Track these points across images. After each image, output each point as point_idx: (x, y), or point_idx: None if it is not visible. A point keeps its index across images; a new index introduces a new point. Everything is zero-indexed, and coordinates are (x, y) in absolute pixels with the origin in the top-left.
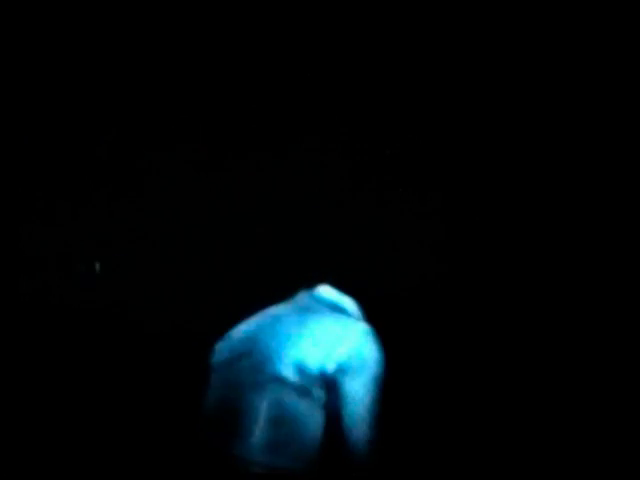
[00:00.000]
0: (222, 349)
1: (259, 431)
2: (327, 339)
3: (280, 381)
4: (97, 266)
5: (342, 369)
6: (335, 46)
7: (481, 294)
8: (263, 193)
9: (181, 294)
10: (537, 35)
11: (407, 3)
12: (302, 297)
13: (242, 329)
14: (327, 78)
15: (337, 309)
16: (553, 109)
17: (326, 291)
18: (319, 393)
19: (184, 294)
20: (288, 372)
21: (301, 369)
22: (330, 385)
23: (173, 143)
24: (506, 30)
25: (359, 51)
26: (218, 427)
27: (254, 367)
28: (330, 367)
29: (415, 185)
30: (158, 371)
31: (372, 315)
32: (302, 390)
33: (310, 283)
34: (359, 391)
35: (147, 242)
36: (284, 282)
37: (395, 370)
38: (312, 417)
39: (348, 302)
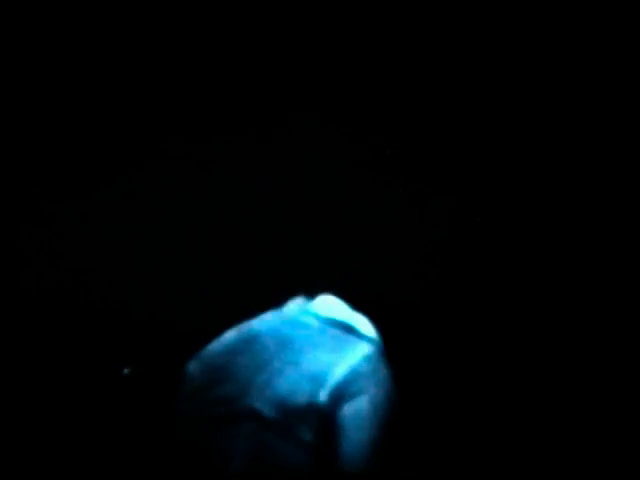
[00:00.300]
0: (192, 373)
1: (232, 477)
2: (318, 363)
3: (256, 417)
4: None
5: (336, 401)
6: (333, 43)
7: (494, 303)
8: (259, 190)
9: (165, 295)
10: (537, 35)
11: (407, 3)
12: (293, 308)
13: (216, 348)
14: (327, 79)
15: (339, 325)
16: (555, 111)
17: (326, 302)
18: (306, 434)
19: (168, 296)
20: (265, 406)
21: (282, 403)
22: (322, 422)
23: (165, 148)
24: (507, 30)
25: (358, 49)
26: (190, 466)
27: (228, 398)
28: (321, 399)
29: (422, 187)
30: (140, 375)
31: (385, 334)
32: (284, 429)
33: (309, 290)
34: (358, 429)
35: (136, 240)
36: (280, 287)
37: (407, 401)
38: (296, 462)
39: (357, 318)
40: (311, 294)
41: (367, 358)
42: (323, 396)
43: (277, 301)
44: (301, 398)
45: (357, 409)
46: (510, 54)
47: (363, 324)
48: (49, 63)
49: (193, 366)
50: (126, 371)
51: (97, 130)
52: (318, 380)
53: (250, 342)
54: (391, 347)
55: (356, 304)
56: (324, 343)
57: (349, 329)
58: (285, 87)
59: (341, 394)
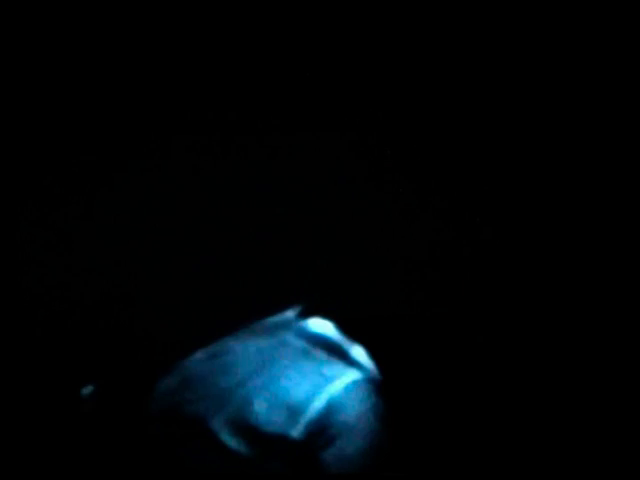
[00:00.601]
0: (162, 393)
1: None
2: (297, 391)
3: (221, 449)
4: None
5: (314, 437)
6: (332, 43)
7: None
8: (246, 200)
9: (143, 307)
10: (537, 35)
11: (407, 3)
12: (279, 324)
13: (187, 365)
14: (325, 79)
15: (327, 347)
16: (555, 111)
17: (317, 322)
18: (279, 467)
19: (146, 307)
20: (230, 438)
21: (252, 434)
22: (297, 458)
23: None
24: (507, 30)
25: (358, 49)
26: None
27: (194, 420)
28: (294, 434)
29: (421, 195)
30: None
31: (382, 360)
32: (252, 464)
33: (299, 306)
34: (339, 467)
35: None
36: (266, 301)
37: (404, 435)
38: None
39: (348, 341)
40: (302, 312)
41: (353, 387)
42: (297, 431)
43: (262, 315)
44: (273, 431)
45: (339, 451)
46: (510, 54)
47: (354, 348)
48: (49, 63)
49: (163, 384)
50: (86, 391)
51: (94, 134)
52: (294, 411)
53: (226, 361)
54: (389, 375)
55: (350, 326)
56: (307, 367)
57: (338, 352)
58: (284, 87)
59: (319, 428)
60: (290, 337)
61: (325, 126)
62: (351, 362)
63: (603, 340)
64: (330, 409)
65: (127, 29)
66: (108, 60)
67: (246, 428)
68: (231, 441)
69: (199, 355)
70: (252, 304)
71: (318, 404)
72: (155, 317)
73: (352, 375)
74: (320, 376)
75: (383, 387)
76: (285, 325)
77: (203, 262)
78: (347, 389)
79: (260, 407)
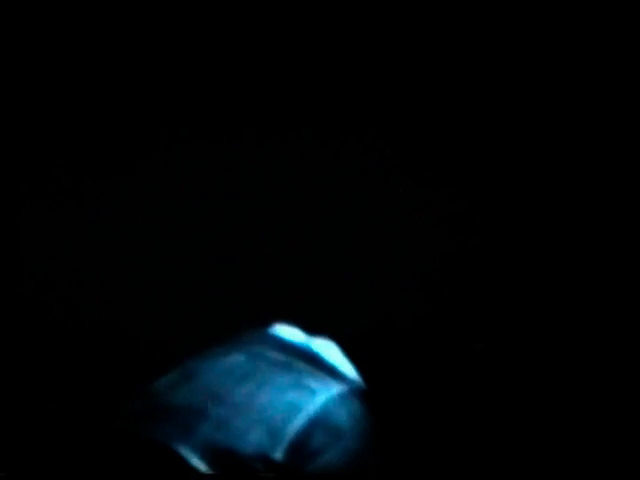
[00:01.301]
0: (128, 416)
1: None
2: (277, 408)
3: (192, 475)
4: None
5: (296, 457)
6: (332, 43)
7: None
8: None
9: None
10: (537, 35)
11: (407, 3)
12: (253, 337)
13: (156, 387)
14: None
15: (307, 358)
16: (555, 111)
17: (291, 331)
18: None
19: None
20: (201, 462)
21: (228, 456)
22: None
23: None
24: (507, 30)
25: (357, 50)
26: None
27: (161, 450)
28: (276, 455)
29: (421, 196)
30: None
31: (367, 370)
32: None
33: (274, 317)
34: None
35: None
36: (239, 314)
37: (394, 450)
38: None
39: (329, 350)
40: (276, 321)
41: (337, 400)
42: (279, 451)
43: (235, 329)
44: (252, 453)
45: (321, 466)
46: (510, 54)
47: (336, 358)
48: (48, 64)
49: (130, 405)
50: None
51: (94, 134)
52: (275, 430)
53: (198, 381)
54: (375, 385)
55: (334, 336)
56: (286, 381)
57: (318, 363)
58: (283, 87)
59: (302, 447)
60: (265, 350)
61: (323, 132)
62: (333, 373)
63: (603, 345)
64: (313, 425)
65: (127, 29)
66: (108, 60)
67: (221, 450)
68: (202, 466)
69: (169, 377)
70: (227, 322)
71: (300, 421)
72: (131, 335)
73: (335, 387)
74: (301, 390)
75: (368, 397)
76: (259, 338)
77: (174, 279)
78: (330, 403)
79: (237, 427)
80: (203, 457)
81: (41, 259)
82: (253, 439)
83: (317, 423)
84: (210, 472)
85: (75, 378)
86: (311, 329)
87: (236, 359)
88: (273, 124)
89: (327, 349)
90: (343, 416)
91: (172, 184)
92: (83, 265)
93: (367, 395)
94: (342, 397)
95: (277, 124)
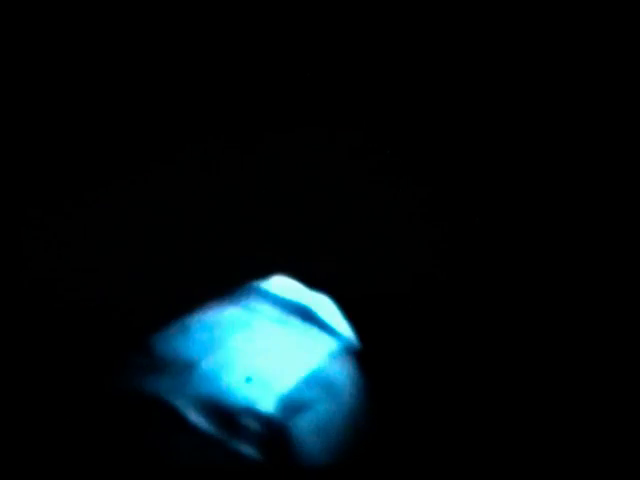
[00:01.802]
0: (123, 371)
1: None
2: (269, 364)
3: (188, 430)
4: None
5: (288, 412)
6: (331, 43)
7: (491, 304)
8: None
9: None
10: (537, 35)
11: (407, 3)
12: (247, 294)
13: (152, 342)
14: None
15: (300, 313)
16: (555, 111)
17: (284, 285)
18: (247, 449)
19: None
20: (197, 416)
21: (219, 411)
22: (269, 437)
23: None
24: (506, 30)
25: (357, 49)
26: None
27: (157, 403)
28: (265, 408)
29: (419, 186)
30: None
31: (362, 327)
32: (221, 446)
33: (264, 273)
34: (316, 447)
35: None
36: (233, 269)
37: (387, 410)
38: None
39: (323, 305)
40: (276, 273)
41: (330, 357)
42: (267, 404)
43: (229, 285)
44: (240, 406)
45: (312, 420)
46: (510, 54)
47: (333, 315)
48: (48, 64)
49: (127, 360)
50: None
51: (93, 133)
52: (265, 385)
53: (194, 335)
54: (370, 343)
55: (329, 292)
56: (280, 337)
57: (314, 319)
58: (282, 87)
59: (292, 401)
60: (261, 304)
61: (321, 126)
62: (328, 330)
63: (603, 346)
64: (305, 380)
65: (127, 29)
66: (107, 60)
67: (213, 405)
68: (198, 420)
69: (165, 331)
70: (230, 277)
71: (292, 375)
72: (126, 293)
73: (329, 344)
74: (295, 345)
75: (364, 358)
76: (256, 292)
77: (177, 239)
78: (323, 359)
79: (228, 382)
80: (198, 411)
81: (41, 255)
82: (243, 394)
83: (309, 378)
84: (205, 428)
85: (72, 344)
86: (311, 284)
87: (232, 313)
88: (272, 122)
89: (324, 306)
90: (336, 373)
91: (169, 178)
92: (81, 249)
93: (362, 356)
94: (336, 354)
95: (276, 122)
